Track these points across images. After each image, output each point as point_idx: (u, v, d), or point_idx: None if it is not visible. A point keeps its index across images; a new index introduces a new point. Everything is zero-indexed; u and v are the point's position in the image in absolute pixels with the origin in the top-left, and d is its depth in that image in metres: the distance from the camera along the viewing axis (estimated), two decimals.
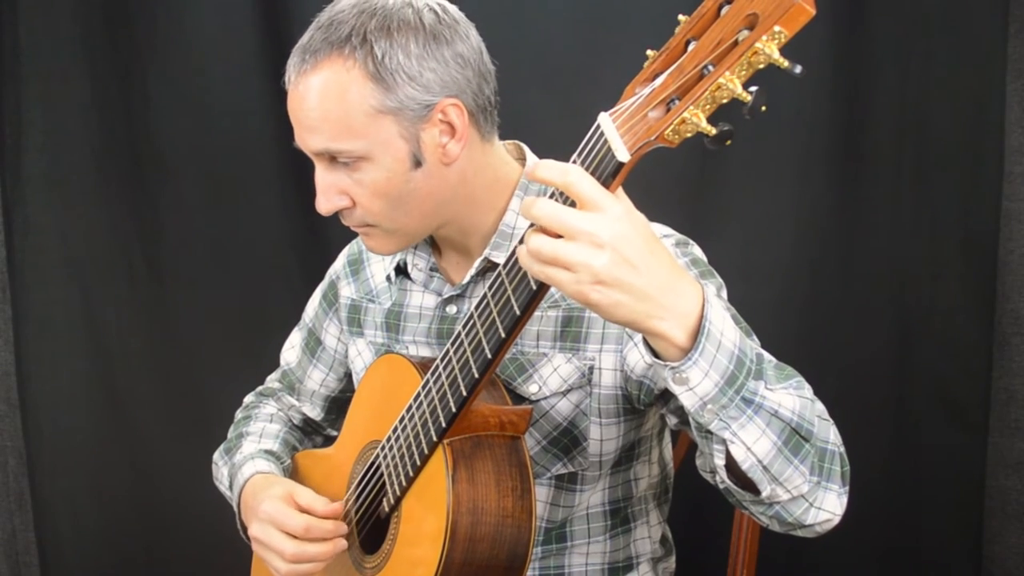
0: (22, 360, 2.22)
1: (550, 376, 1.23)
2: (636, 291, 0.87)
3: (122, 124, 2.13)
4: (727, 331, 0.93)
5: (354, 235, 1.50)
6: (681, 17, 0.87)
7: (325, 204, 1.20)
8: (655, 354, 0.95)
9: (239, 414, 1.57)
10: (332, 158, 1.17)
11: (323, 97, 1.14)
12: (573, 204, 0.88)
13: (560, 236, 0.87)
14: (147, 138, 2.13)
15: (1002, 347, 1.95)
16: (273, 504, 1.24)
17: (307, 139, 1.17)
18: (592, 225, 0.85)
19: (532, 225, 0.91)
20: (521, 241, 0.92)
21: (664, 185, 1.94)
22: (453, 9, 1.19)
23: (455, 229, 1.27)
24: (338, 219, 2.16)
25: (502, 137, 1.29)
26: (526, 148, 1.31)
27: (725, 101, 0.84)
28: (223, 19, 2.07)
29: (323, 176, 1.19)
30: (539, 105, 1.91)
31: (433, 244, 1.34)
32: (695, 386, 0.93)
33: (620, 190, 0.90)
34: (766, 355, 1.03)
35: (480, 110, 1.19)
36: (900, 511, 2.01)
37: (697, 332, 0.91)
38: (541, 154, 1.27)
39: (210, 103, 2.10)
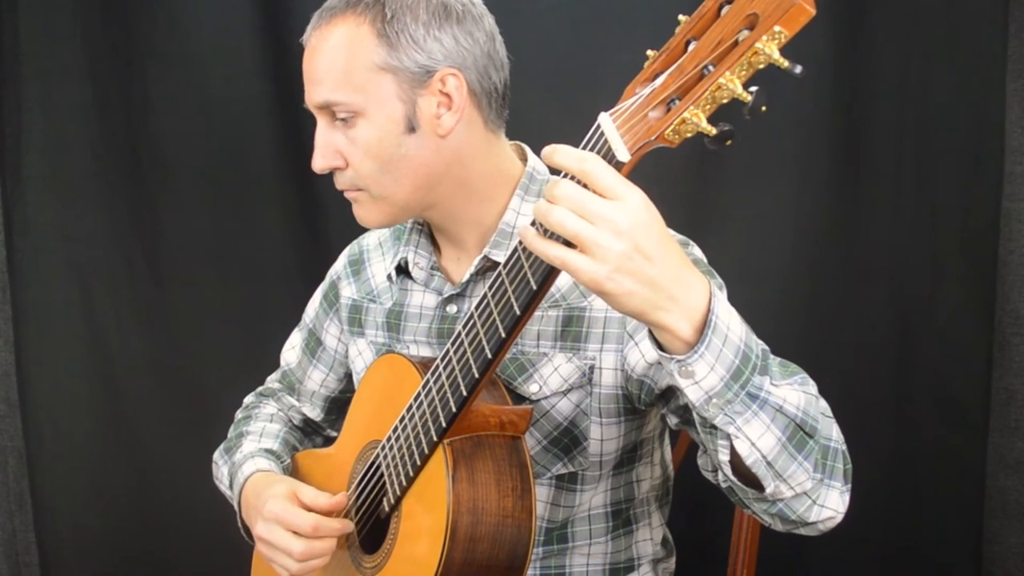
0: (22, 360, 2.22)
1: (551, 376, 1.23)
2: (649, 282, 0.87)
3: (122, 124, 2.14)
4: (733, 326, 0.93)
5: (354, 236, 1.50)
6: (681, 17, 0.87)
7: (320, 161, 1.22)
8: (661, 347, 0.95)
9: (239, 414, 1.57)
10: (332, 115, 1.20)
11: (331, 50, 1.18)
12: None
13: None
14: (147, 138, 2.13)
15: (1002, 347, 1.95)
16: (279, 503, 1.24)
17: (312, 92, 1.21)
18: (613, 212, 0.85)
19: (533, 223, 0.91)
20: (533, 223, 0.91)
21: (664, 185, 1.93)
22: None
23: (445, 214, 1.27)
24: (337, 220, 2.16)
25: None
26: (528, 150, 1.31)
27: (725, 101, 0.84)
28: (223, 19, 2.07)
29: (322, 134, 1.22)
30: (539, 105, 1.91)
31: (434, 243, 1.34)
32: (701, 380, 0.93)
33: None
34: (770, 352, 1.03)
35: (485, 93, 1.21)
36: (900, 511, 2.00)
37: (703, 326, 0.91)
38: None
39: (210, 103, 2.11)
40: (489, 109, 1.23)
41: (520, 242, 0.95)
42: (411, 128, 1.18)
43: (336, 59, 1.17)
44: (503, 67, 1.24)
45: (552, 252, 0.88)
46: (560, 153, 0.88)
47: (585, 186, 0.87)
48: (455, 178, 1.23)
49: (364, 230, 1.49)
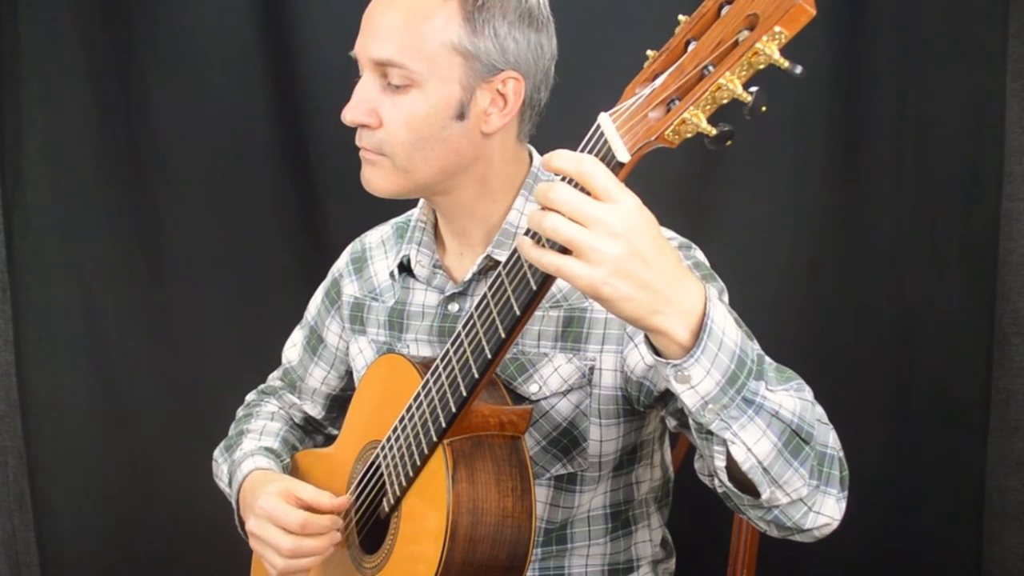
0: (22, 360, 2.22)
1: (550, 376, 1.23)
2: (645, 285, 0.87)
3: (122, 124, 2.13)
4: (729, 330, 0.93)
5: (354, 236, 1.50)
6: (681, 17, 0.87)
7: (351, 115, 1.21)
8: (657, 352, 0.95)
9: (240, 412, 1.58)
10: (383, 74, 1.18)
11: (410, 12, 1.16)
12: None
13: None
14: (147, 138, 2.13)
15: (1002, 347, 1.95)
16: (270, 500, 1.24)
17: (372, 47, 1.18)
18: (607, 215, 0.85)
19: (528, 232, 0.91)
20: (528, 232, 0.91)
21: (664, 186, 1.94)
22: (550, 11, 1.23)
23: (453, 204, 1.27)
24: (337, 220, 2.16)
25: None
26: (533, 150, 1.32)
27: (725, 101, 0.84)
28: (223, 19, 2.07)
29: (365, 90, 1.20)
30: None
31: (437, 240, 1.34)
32: (696, 385, 0.93)
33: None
34: (767, 357, 1.03)
35: (530, 105, 1.23)
36: (900, 511, 2.00)
37: (699, 330, 0.91)
38: (542, 154, 1.27)
39: (210, 103, 2.10)
40: (527, 122, 1.25)
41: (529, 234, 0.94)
42: (460, 115, 1.19)
43: (414, 22, 1.16)
44: (549, 87, 1.25)
45: (547, 260, 0.88)
46: (556, 158, 0.88)
47: (582, 189, 0.87)
48: (476, 174, 1.24)
49: (365, 228, 1.49)
